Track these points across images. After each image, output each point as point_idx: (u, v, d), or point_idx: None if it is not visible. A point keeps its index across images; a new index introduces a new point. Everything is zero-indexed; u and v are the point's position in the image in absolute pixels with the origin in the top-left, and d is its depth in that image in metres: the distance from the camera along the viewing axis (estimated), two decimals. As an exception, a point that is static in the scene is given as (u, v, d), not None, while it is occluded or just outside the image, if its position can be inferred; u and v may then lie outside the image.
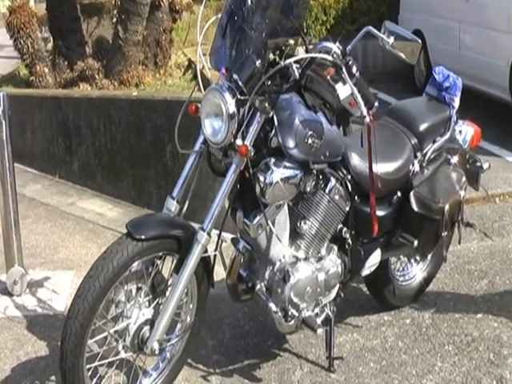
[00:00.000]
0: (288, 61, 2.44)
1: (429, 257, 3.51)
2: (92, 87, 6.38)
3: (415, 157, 3.10)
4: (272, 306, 2.81)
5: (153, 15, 6.68)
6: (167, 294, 2.62)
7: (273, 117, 2.54)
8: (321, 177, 2.80)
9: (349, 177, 2.87)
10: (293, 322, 2.84)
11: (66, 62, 6.74)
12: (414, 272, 3.57)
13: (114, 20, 6.96)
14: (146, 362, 2.83)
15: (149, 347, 2.58)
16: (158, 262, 2.65)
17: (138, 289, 2.62)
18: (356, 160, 2.87)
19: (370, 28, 2.47)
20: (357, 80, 2.48)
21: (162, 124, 4.88)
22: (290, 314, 2.81)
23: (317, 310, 2.93)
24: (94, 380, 2.64)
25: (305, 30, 2.50)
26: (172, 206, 2.74)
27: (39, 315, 3.61)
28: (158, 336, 2.58)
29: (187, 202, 2.75)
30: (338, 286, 2.98)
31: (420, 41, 2.48)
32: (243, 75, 2.48)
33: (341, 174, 2.86)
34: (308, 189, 2.74)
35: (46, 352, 3.24)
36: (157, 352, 2.61)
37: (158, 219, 2.66)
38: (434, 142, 3.18)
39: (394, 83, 7.83)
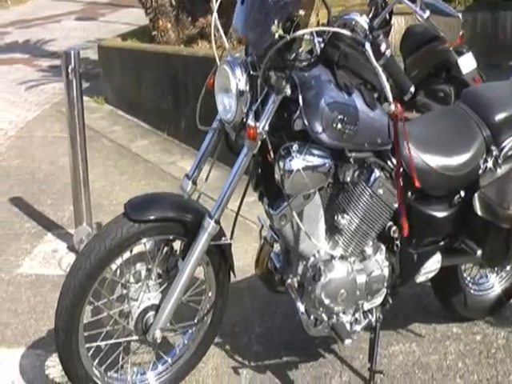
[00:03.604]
0: (295, 34, 2.07)
1: (508, 267, 3.02)
2: (210, 45, 6.23)
3: (488, 151, 2.60)
4: (300, 306, 2.52)
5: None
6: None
7: (297, 96, 2.21)
8: (365, 166, 2.43)
9: (400, 169, 2.47)
10: (321, 326, 2.54)
11: (190, 18, 6.63)
12: (491, 282, 3.09)
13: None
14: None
15: (151, 334, 2.41)
16: (173, 244, 2.45)
17: (148, 270, 2.44)
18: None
19: None
20: (386, 60, 2.07)
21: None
22: (318, 316, 2.51)
23: (357, 315, 2.60)
24: (97, 360, 2.51)
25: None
26: (187, 186, 2.52)
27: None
28: (160, 324, 2.39)
29: (205, 183, 2.51)
30: (384, 290, 2.61)
31: (460, 16, 2.02)
32: (259, 49, 2.18)
33: (390, 164, 2.46)
34: (348, 179, 2.39)
35: (89, 318, 3.17)
36: (158, 340, 2.42)
37: (162, 200, 2.43)
38: (515, 135, 2.66)
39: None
